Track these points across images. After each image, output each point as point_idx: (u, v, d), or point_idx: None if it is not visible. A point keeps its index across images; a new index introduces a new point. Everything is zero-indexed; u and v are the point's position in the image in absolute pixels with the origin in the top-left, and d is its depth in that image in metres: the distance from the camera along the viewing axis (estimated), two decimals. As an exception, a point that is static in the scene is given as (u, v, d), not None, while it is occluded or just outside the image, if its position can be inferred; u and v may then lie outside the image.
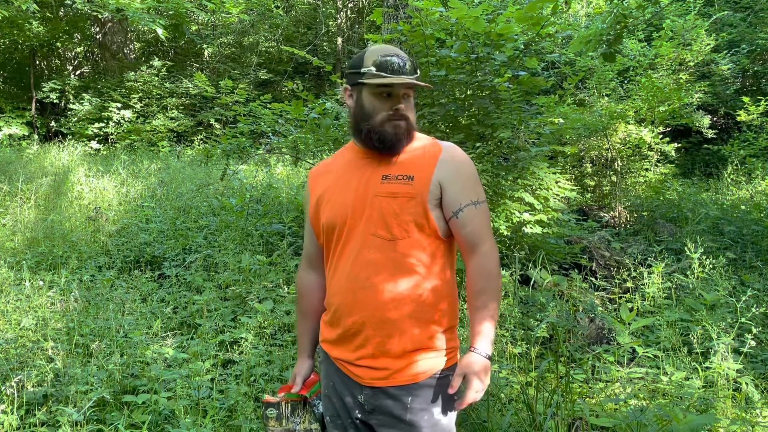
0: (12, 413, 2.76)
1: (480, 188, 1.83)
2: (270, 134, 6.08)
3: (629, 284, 4.97)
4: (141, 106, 14.05)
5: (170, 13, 13.32)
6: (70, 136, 13.26)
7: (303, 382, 1.96)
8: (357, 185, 1.80)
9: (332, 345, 1.84)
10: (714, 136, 10.10)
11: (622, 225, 7.43)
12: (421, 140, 1.88)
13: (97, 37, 15.09)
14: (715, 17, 10.38)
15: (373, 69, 1.76)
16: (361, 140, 1.82)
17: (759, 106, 9.57)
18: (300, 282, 2.02)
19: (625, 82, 9.16)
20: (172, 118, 14.12)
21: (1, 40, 15.10)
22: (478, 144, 4.89)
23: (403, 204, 1.74)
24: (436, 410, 1.76)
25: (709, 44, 9.13)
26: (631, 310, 3.65)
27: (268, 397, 1.95)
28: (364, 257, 1.75)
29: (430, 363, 1.76)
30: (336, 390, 1.85)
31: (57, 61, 16.82)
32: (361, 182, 1.80)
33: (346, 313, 1.77)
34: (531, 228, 5.12)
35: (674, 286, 4.65)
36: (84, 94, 13.86)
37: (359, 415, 1.80)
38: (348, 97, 1.85)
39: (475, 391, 1.72)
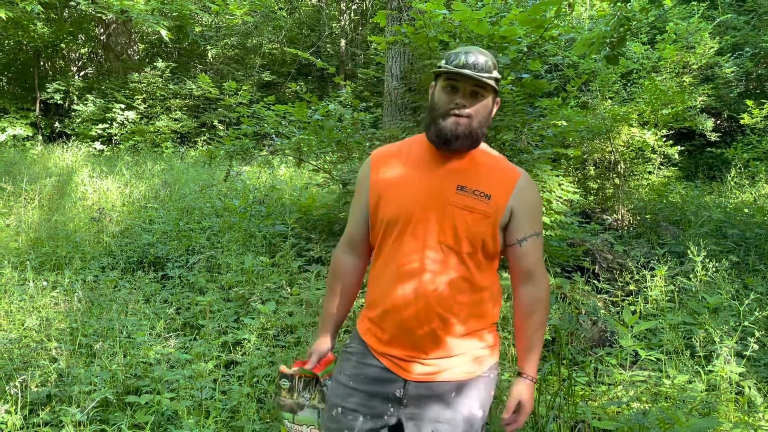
0: (15, 413, 2.76)
1: (541, 219, 1.88)
2: (273, 136, 6.09)
3: (632, 287, 4.97)
4: (145, 107, 14.09)
5: (174, 14, 13.36)
6: (74, 137, 13.29)
7: (318, 361, 1.95)
8: (429, 187, 1.79)
9: (381, 342, 1.83)
10: (717, 139, 10.08)
11: (625, 228, 7.43)
12: (494, 156, 1.89)
13: (102, 38, 15.13)
14: (718, 20, 10.37)
15: (444, 62, 1.78)
16: (428, 135, 1.82)
17: (762, 109, 9.55)
18: (337, 262, 1.99)
19: (629, 84, 9.16)
20: (175, 120, 14.15)
21: (6, 41, 15.15)
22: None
23: (477, 220, 1.76)
24: (475, 405, 1.80)
25: (712, 47, 9.13)
26: (633, 313, 3.65)
27: (283, 368, 1.97)
28: (427, 262, 1.76)
29: (479, 362, 1.81)
30: (366, 382, 1.82)
31: (61, 62, 16.87)
32: (434, 185, 1.79)
33: (403, 314, 1.77)
34: (534, 230, 5.11)
35: (677, 289, 4.64)
36: (88, 95, 13.91)
37: (391, 409, 1.79)
38: (430, 93, 1.86)
39: (525, 415, 1.81)
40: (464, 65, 1.73)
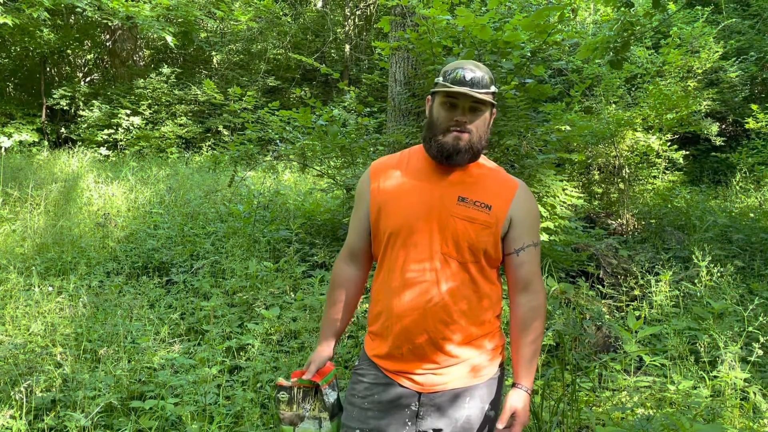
0: (20, 418, 2.78)
1: (538, 230, 1.89)
2: (278, 141, 6.11)
3: (636, 292, 4.96)
4: (150, 113, 14.15)
5: (179, 20, 13.41)
6: (80, 143, 13.37)
7: (316, 370, 1.95)
8: (430, 198, 1.80)
9: (388, 358, 1.84)
10: (722, 144, 10.06)
11: (630, 232, 7.41)
12: (492, 167, 1.91)
13: (107, 44, 15.22)
14: (723, 24, 10.35)
15: (441, 78, 1.79)
16: (428, 150, 1.83)
17: (767, 113, 9.52)
18: (337, 273, 2.01)
19: (633, 89, 9.16)
20: (180, 125, 14.20)
21: (13, 48, 15.25)
22: (484, 151, 4.89)
23: (478, 231, 1.77)
24: (488, 407, 1.84)
25: (717, 51, 9.11)
26: (638, 318, 3.64)
27: (281, 381, 1.97)
28: (430, 272, 1.77)
29: (485, 366, 1.84)
30: (382, 402, 1.83)
31: (67, 68, 16.97)
32: (435, 196, 1.80)
33: (405, 322, 1.78)
34: (538, 235, 5.09)
35: (682, 294, 4.63)
36: (94, 101, 13.99)
37: (408, 424, 1.82)
38: (428, 108, 1.87)
39: (520, 426, 1.80)
40: (462, 81, 1.74)
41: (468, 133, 1.77)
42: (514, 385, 1.84)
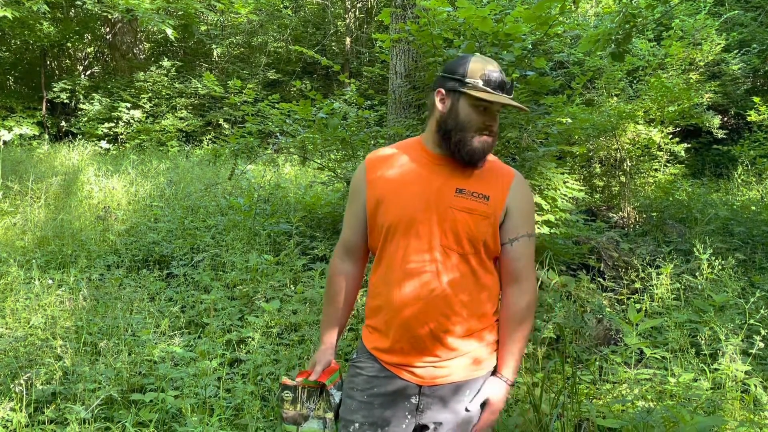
0: (21, 411, 2.78)
1: (533, 221, 1.88)
2: (278, 134, 6.10)
3: (637, 285, 4.95)
4: (150, 106, 14.13)
5: (179, 13, 13.39)
6: (80, 136, 13.35)
7: (322, 370, 1.93)
8: (428, 190, 1.79)
9: (388, 351, 1.82)
10: (724, 137, 10.03)
11: (631, 225, 7.40)
12: (489, 158, 1.89)
13: (107, 37, 15.19)
14: (725, 17, 10.30)
15: (480, 82, 1.74)
16: (447, 147, 1.79)
17: (770, 106, 9.49)
18: (334, 270, 1.99)
19: (635, 82, 9.12)
20: (181, 118, 14.19)
21: (13, 41, 15.22)
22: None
23: (477, 221, 1.76)
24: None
25: (719, 44, 9.07)
26: (639, 311, 3.63)
27: (285, 380, 1.96)
28: (429, 264, 1.76)
29: (484, 360, 1.83)
30: (381, 395, 1.82)
31: (67, 61, 16.94)
32: (432, 188, 1.79)
33: (405, 314, 1.77)
34: (539, 228, 5.10)
35: (683, 287, 4.62)
36: (94, 94, 13.97)
37: (408, 417, 1.81)
38: (439, 101, 1.81)
39: (492, 415, 1.80)
40: (500, 86, 1.74)
41: (494, 137, 1.79)
42: (494, 372, 1.83)
